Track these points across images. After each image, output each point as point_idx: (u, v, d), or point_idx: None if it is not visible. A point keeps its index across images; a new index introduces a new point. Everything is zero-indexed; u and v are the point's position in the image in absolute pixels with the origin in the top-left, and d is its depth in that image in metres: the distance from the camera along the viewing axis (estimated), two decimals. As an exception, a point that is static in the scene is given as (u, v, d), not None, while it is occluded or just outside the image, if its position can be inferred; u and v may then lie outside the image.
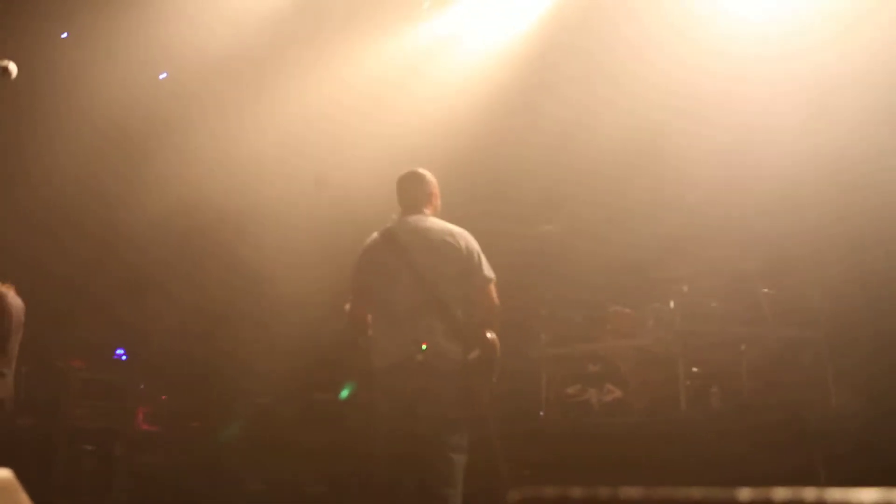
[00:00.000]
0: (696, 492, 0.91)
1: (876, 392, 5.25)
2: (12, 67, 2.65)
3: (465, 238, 4.48)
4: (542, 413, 6.23)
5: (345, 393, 4.65)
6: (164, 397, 7.79)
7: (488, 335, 4.29)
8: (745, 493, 0.89)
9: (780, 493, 0.88)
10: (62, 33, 7.74)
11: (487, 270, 4.44)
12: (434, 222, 4.50)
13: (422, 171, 4.65)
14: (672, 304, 5.98)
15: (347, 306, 4.50)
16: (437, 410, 4.17)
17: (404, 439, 4.16)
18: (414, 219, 4.50)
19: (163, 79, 8.13)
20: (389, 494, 4.17)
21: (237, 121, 7.72)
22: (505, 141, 7.25)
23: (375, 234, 4.50)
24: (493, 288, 4.44)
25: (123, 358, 7.98)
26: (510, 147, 7.25)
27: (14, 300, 5.29)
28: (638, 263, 6.38)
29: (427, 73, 7.56)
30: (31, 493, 1.72)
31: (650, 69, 6.54)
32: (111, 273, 7.73)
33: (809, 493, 0.87)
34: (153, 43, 7.57)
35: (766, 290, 5.87)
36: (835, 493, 0.86)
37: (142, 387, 7.62)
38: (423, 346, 4.13)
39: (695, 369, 5.85)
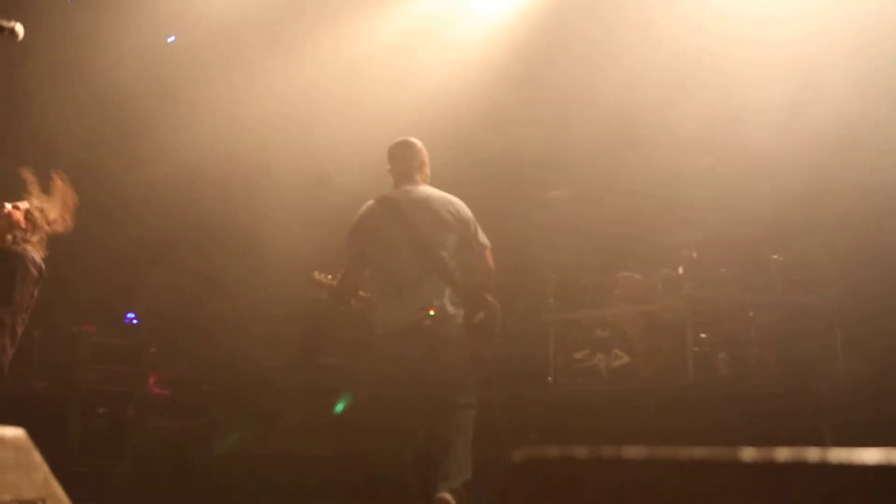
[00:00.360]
0: (699, 451, 0.91)
1: (885, 360, 5.25)
2: (19, 29, 2.64)
3: (462, 206, 4.60)
4: (550, 378, 6.25)
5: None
6: (177, 363, 7.85)
7: (489, 298, 4.39)
8: (748, 452, 0.90)
9: (783, 453, 0.88)
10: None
11: (483, 238, 4.58)
12: (431, 191, 4.57)
13: (413, 139, 4.68)
14: (681, 269, 5.96)
15: (317, 273, 4.59)
16: (444, 373, 4.23)
17: (411, 402, 4.21)
18: (410, 187, 4.55)
19: (170, 42, 8.09)
20: (397, 462, 4.22)
21: (244, 86, 7.69)
22: (514, 106, 7.20)
23: (372, 202, 4.53)
24: (489, 254, 4.55)
25: (135, 322, 8.04)
26: (519, 112, 7.20)
27: (33, 255, 5.20)
28: (647, 229, 6.36)
29: (433, 39, 7.51)
30: (45, 454, 1.74)
31: (659, 32, 6.46)
32: (121, 237, 7.75)
33: (813, 453, 0.87)
34: (161, 6, 7.53)
35: (775, 256, 5.84)
36: (838, 453, 0.87)
37: (153, 350, 7.68)
38: (431, 312, 4.19)
39: (703, 335, 5.84)
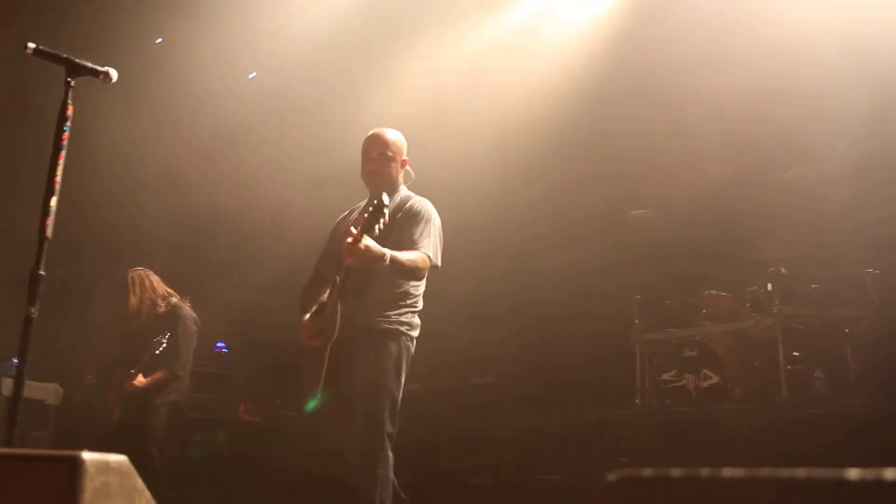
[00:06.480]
0: (802, 472, 0.88)
1: None
2: (113, 73, 2.78)
3: None
4: (637, 400, 6.15)
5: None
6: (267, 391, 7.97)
7: None
8: (853, 473, 0.87)
9: (892, 473, 0.85)
10: (157, 39, 8.04)
11: None
12: None
13: None
14: (770, 286, 5.80)
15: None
16: None
17: None
18: None
19: (252, 78, 8.35)
20: None
21: (328, 118, 7.82)
22: (596, 123, 7.13)
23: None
24: None
25: (225, 351, 8.24)
26: (601, 129, 7.13)
27: (188, 312, 5.96)
28: (733, 246, 6.20)
29: (519, 55, 7.49)
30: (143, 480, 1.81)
31: (742, 38, 6.30)
32: (212, 265, 7.97)
33: (923, 472, 0.83)
34: (242, 45, 7.77)
35: (870, 269, 5.63)
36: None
37: (243, 378, 7.85)
38: None
39: (796, 353, 5.66)
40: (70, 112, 2.66)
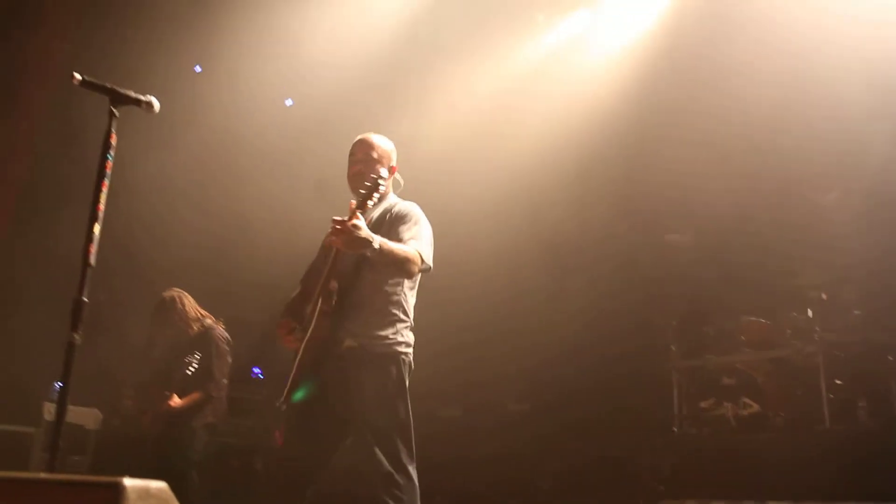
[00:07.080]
0: (852, 505, 0.87)
1: None
2: (155, 103, 2.83)
3: None
4: (675, 428, 6.06)
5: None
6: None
7: None
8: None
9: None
10: (195, 67, 8.21)
11: None
12: None
13: None
14: (810, 312, 5.72)
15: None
16: None
17: None
18: None
19: (289, 106, 8.47)
20: None
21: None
22: (631, 147, 7.12)
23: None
24: None
25: (261, 376, 8.29)
26: (637, 154, 7.12)
27: (220, 333, 5.92)
28: (772, 271, 6.13)
29: (552, 79, 7.52)
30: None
31: (780, 61, 6.26)
32: (247, 290, 8.04)
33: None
34: (277, 72, 7.90)
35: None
36: None
37: (279, 404, 7.86)
38: None
39: (838, 382, 5.56)
40: (114, 140, 2.71)
